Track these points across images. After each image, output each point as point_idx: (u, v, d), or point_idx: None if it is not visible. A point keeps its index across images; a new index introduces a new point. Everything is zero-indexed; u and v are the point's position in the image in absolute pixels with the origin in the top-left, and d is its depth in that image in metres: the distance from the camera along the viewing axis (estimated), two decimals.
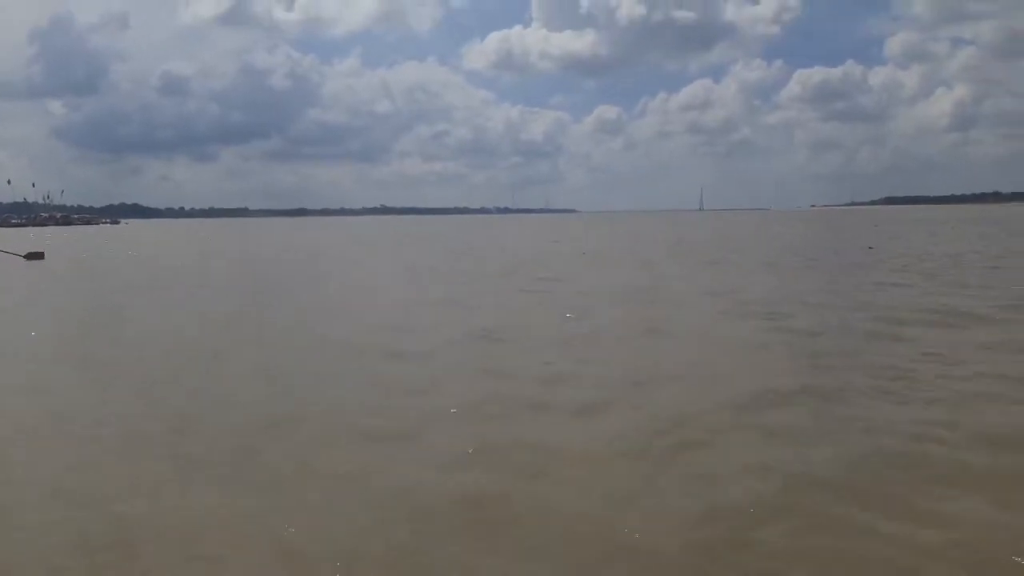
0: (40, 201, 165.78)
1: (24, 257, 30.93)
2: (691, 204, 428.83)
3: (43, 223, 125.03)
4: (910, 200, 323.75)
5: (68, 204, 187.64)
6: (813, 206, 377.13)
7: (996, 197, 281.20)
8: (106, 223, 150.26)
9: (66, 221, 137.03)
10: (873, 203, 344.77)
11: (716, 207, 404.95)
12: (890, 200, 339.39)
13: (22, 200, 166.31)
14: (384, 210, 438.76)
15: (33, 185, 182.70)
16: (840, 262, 23.79)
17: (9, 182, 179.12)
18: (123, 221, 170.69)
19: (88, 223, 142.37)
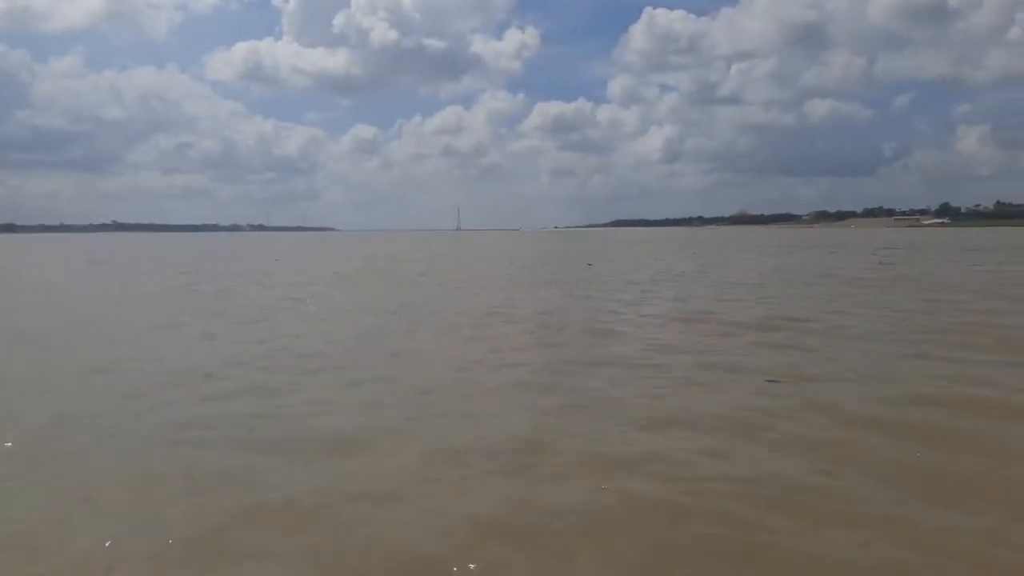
0: None
1: None
2: (449, 223, 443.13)
3: None
4: (635, 223, 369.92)
5: None
6: (556, 227, 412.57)
7: (700, 221, 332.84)
8: None
9: None
10: (605, 225, 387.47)
11: (472, 226, 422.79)
12: (618, 222, 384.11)
13: None
14: (116, 226, 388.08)
15: None
16: (562, 278, 27.05)
17: None
18: None
19: None
